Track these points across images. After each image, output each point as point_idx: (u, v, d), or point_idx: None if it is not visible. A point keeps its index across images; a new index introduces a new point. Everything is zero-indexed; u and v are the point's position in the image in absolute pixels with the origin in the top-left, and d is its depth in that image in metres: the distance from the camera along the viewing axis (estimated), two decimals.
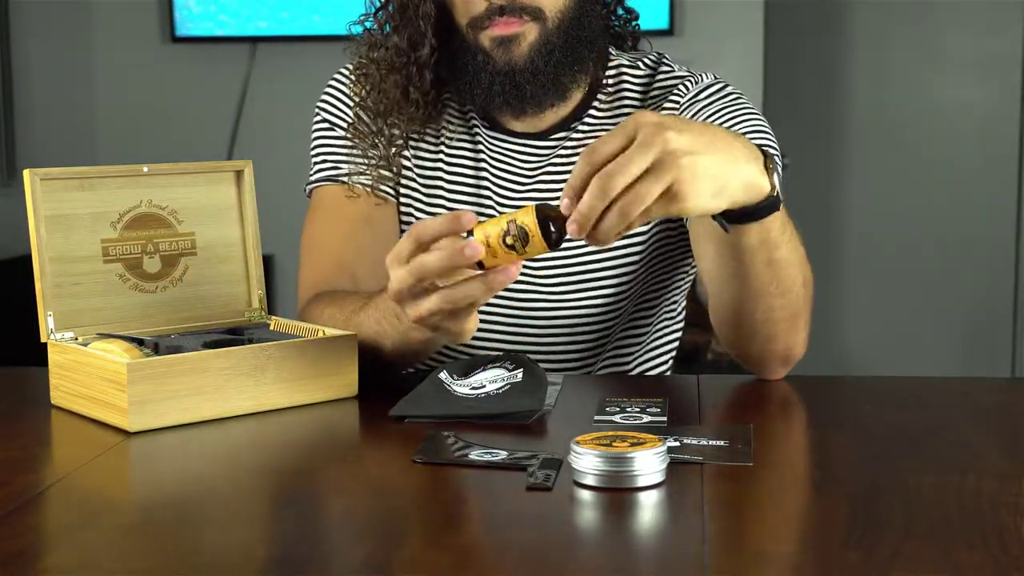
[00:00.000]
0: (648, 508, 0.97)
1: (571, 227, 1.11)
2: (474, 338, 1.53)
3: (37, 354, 1.34)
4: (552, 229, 1.11)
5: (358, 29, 1.59)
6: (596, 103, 1.57)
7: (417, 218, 1.57)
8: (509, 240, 1.11)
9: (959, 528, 0.92)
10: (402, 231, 1.58)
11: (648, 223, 1.53)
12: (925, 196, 4.13)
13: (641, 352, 1.62)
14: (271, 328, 1.40)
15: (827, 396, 1.39)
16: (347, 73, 1.61)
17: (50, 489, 1.04)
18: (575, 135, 1.56)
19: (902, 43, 4.13)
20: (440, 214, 1.52)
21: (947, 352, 4.16)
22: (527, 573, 0.85)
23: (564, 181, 1.52)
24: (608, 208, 1.09)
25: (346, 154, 1.58)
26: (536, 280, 1.54)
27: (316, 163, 1.61)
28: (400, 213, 1.59)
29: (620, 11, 1.65)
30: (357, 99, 1.58)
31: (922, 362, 4.07)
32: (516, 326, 1.56)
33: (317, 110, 1.62)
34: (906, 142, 4.14)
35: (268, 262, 3.70)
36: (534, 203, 1.16)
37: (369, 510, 1.01)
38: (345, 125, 1.58)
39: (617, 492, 0.99)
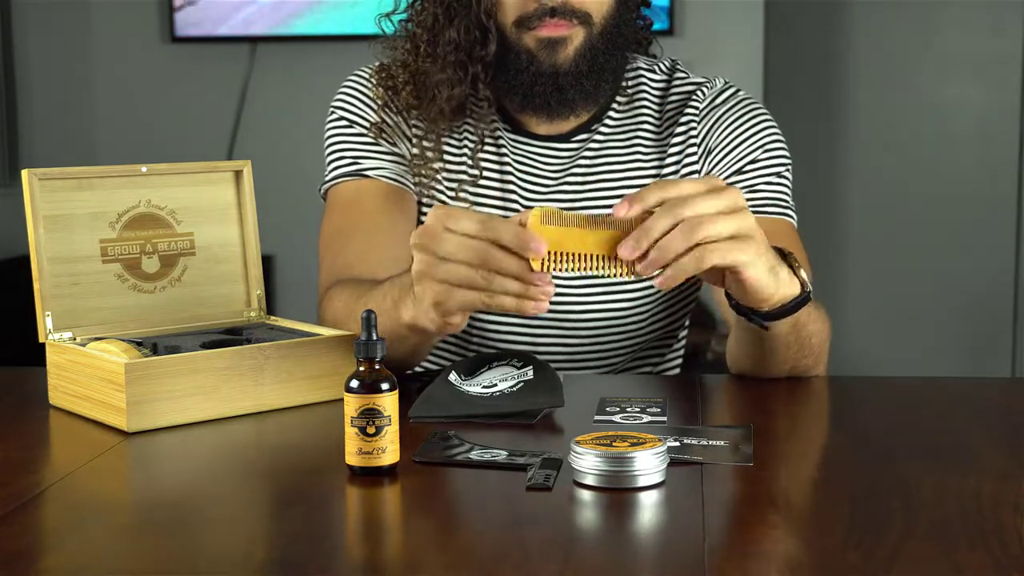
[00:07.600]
0: (648, 508, 0.97)
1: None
2: (499, 337, 1.54)
3: (35, 354, 1.34)
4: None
5: (388, 25, 1.56)
6: (615, 105, 1.57)
7: None
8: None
9: (959, 528, 0.92)
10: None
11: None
12: (925, 196, 4.13)
13: (668, 354, 1.64)
14: (270, 328, 1.39)
15: (827, 396, 1.39)
16: (367, 74, 1.59)
17: (49, 489, 1.04)
18: (597, 136, 1.56)
19: (902, 43, 4.12)
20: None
21: (947, 352, 4.15)
22: (527, 573, 0.85)
23: (590, 182, 1.54)
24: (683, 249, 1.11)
25: (366, 150, 1.56)
26: (564, 284, 1.53)
27: (333, 161, 1.58)
28: (422, 213, 1.56)
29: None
30: (380, 101, 1.56)
31: (922, 362, 4.07)
32: (545, 326, 1.55)
33: (332, 109, 1.59)
34: (906, 142, 4.14)
35: (268, 262, 3.70)
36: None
37: (369, 510, 1.01)
38: (367, 124, 1.56)
39: (617, 492, 0.99)
